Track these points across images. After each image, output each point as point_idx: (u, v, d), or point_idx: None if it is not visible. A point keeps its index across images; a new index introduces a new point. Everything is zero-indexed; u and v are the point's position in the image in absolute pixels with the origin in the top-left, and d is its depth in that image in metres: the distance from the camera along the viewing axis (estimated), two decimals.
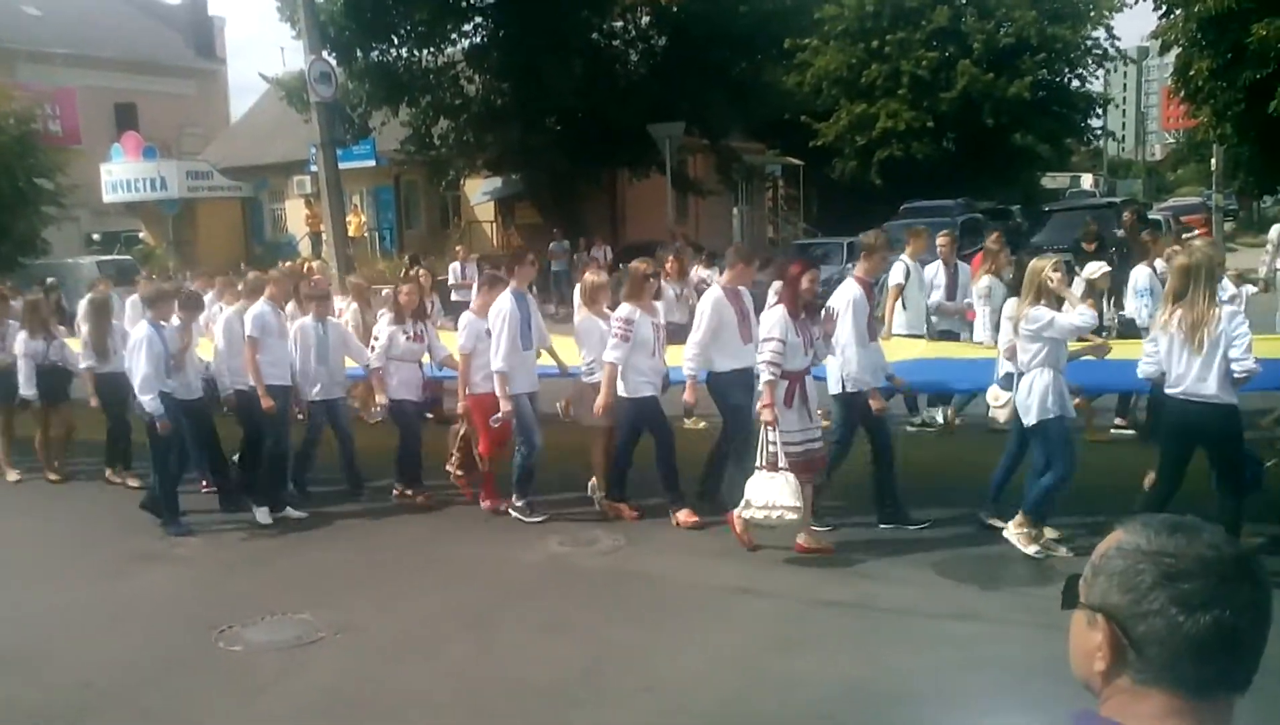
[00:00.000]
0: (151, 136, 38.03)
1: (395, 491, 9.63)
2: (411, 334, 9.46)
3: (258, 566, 8.18)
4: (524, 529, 8.59)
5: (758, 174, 38.98)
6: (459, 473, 9.25)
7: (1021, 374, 7.17)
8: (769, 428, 7.16)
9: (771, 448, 7.16)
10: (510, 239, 34.13)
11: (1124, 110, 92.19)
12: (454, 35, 28.66)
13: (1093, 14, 36.47)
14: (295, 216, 36.49)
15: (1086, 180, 65.88)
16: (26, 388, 10.86)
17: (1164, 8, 22.83)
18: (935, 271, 11.31)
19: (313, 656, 6.28)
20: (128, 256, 31.55)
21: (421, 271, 14.55)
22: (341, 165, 20.96)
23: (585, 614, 6.79)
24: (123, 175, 36.10)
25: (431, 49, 28.47)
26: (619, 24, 30.26)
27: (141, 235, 38.16)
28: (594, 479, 8.85)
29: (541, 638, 6.42)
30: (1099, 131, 46.23)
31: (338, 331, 9.84)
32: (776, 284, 8.62)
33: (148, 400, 8.62)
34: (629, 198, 33.32)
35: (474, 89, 29.29)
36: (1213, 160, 26.85)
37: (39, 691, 5.97)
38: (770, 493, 7.06)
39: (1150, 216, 25.79)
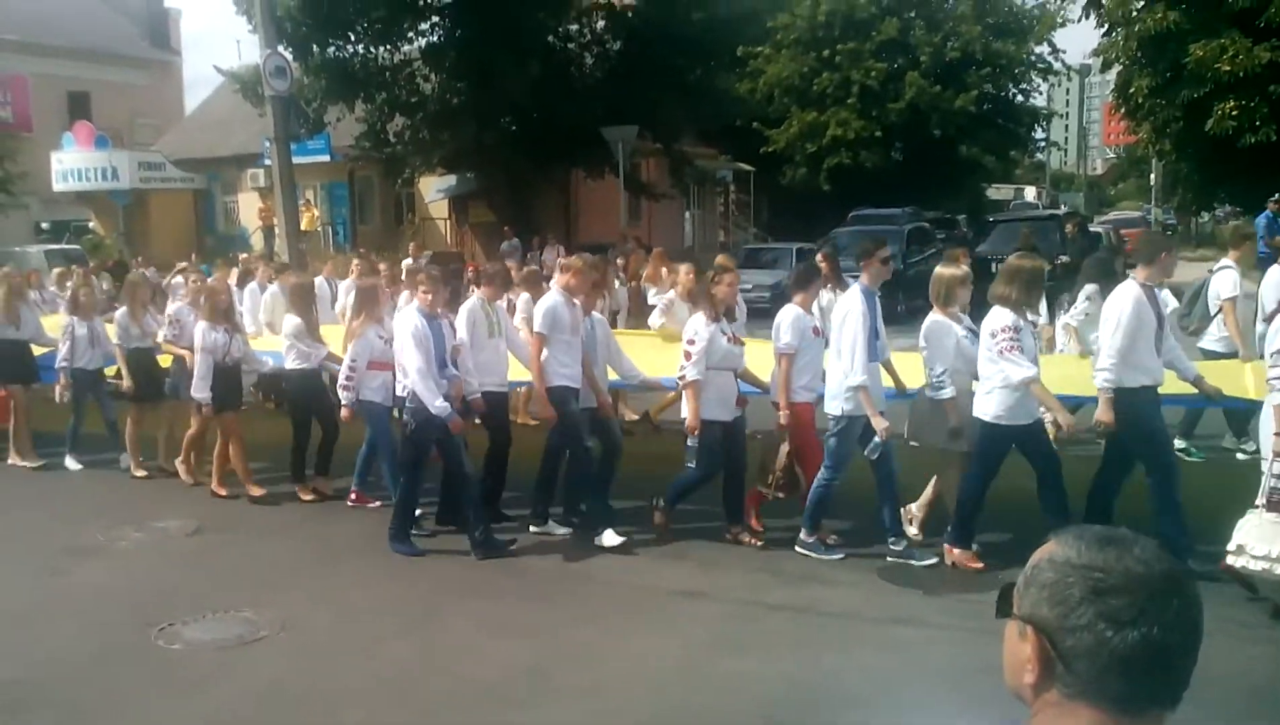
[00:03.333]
0: (104, 126, 37.63)
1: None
2: (730, 336, 7.95)
3: (201, 563, 8.06)
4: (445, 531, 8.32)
5: (710, 179, 39.32)
6: (779, 494, 7.91)
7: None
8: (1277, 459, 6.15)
9: (1275, 482, 6.11)
10: (464, 237, 34.28)
11: (1067, 124, 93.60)
12: (410, 33, 28.62)
13: (1036, 30, 37.22)
14: (248, 210, 36.15)
15: (1030, 192, 66.89)
16: (200, 389, 9.36)
17: (1106, 26, 23.40)
18: None
19: (254, 654, 6.22)
20: (76, 246, 31.34)
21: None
22: (295, 160, 20.93)
23: (530, 613, 6.80)
24: (74, 164, 35.63)
25: (388, 46, 28.42)
26: (575, 27, 30.40)
27: (91, 225, 37.71)
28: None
29: (485, 637, 6.42)
30: (1042, 144, 47.07)
31: (604, 328, 8.80)
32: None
33: (436, 403, 7.62)
34: (583, 198, 33.51)
35: (430, 87, 29.29)
36: (1152, 176, 27.49)
37: None
38: (1272, 540, 6.01)
39: (1091, 230, 26.38)
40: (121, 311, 10.59)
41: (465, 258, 29.67)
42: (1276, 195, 20.25)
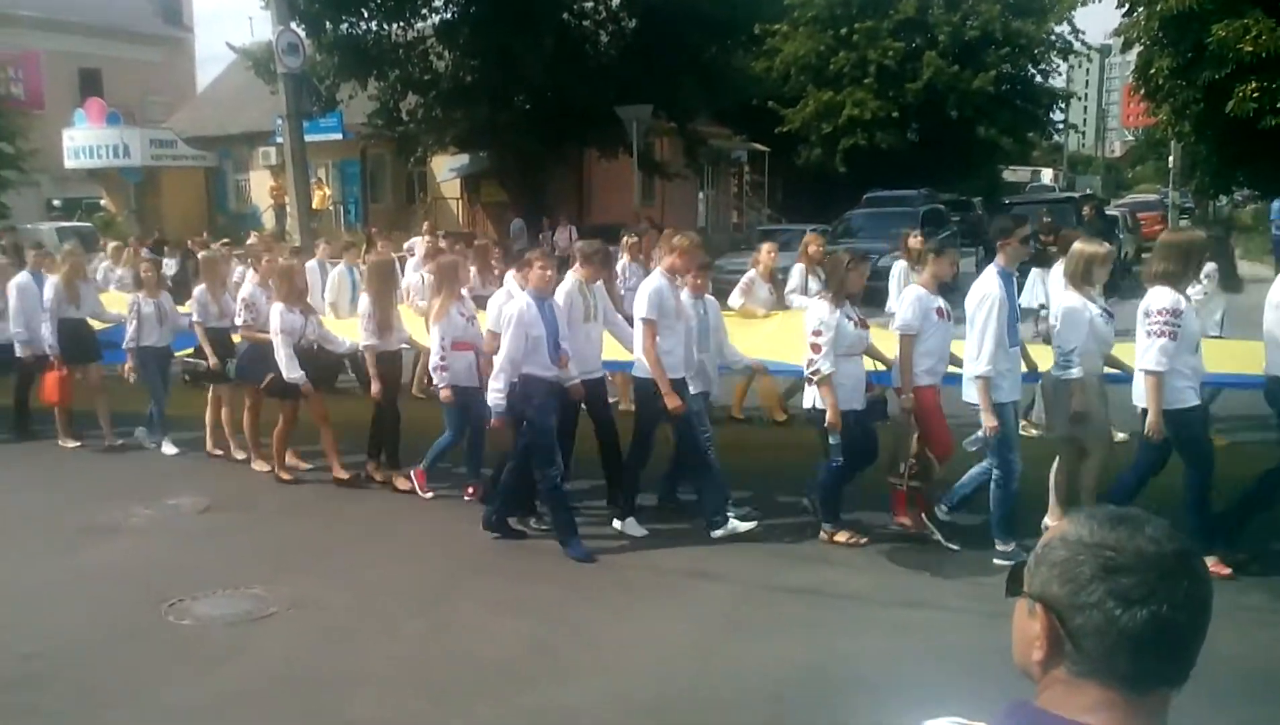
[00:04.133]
0: (116, 103, 37.59)
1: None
2: (855, 319, 7.58)
3: (213, 541, 8.07)
4: (480, 507, 8.29)
5: (724, 159, 39.17)
6: (914, 483, 7.52)
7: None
8: None
9: None
10: (476, 216, 34.19)
11: (1085, 106, 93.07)
12: (424, 10, 28.46)
13: (1057, 9, 36.90)
14: (260, 188, 36.14)
15: (1047, 175, 66.61)
16: (291, 370, 9.03)
17: (1127, 5, 23.14)
18: None
19: (264, 631, 6.24)
20: (88, 223, 31.34)
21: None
22: (308, 137, 20.93)
23: (540, 594, 6.79)
24: (85, 141, 35.69)
25: (401, 24, 28.32)
26: (590, 4, 30.19)
27: (103, 202, 37.81)
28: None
29: (495, 616, 6.43)
30: (1060, 126, 46.74)
31: (716, 312, 8.38)
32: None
33: (491, 398, 7.32)
34: (595, 178, 33.37)
35: (443, 65, 29.17)
36: (1170, 158, 27.21)
37: None
38: None
39: (1108, 212, 26.18)
40: (200, 289, 10.38)
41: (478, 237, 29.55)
42: None
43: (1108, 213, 25.83)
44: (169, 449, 10.70)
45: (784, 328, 9.24)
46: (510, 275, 8.99)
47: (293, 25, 20.64)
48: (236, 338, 10.13)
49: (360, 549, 7.82)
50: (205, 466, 10.18)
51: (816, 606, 6.49)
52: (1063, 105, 43.66)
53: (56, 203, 37.18)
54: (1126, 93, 38.36)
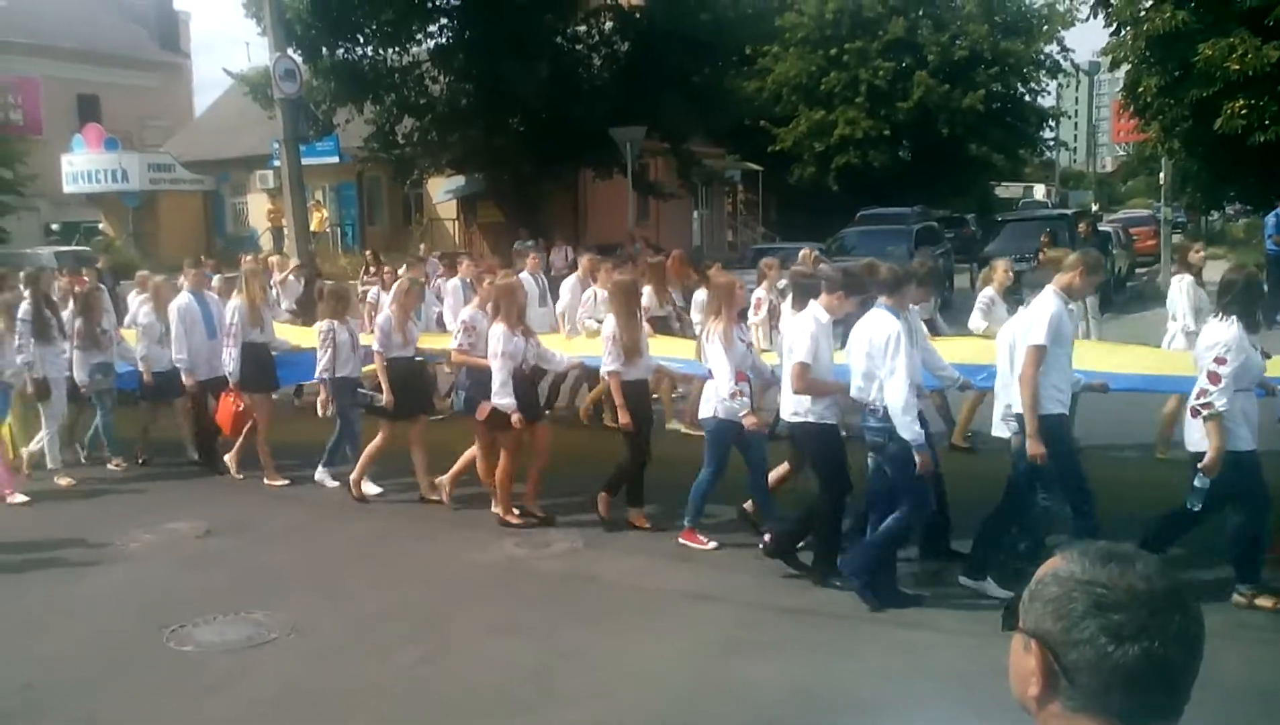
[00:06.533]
0: (114, 128, 37.82)
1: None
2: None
3: (212, 565, 8.05)
4: (479, 529, 8.47)
5: (718, 178, 39.37)
6: None
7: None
8: None
9: None
10: (472, 237, 34.36)
11: (1076, 122, 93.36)
12: (419, 35, 28.69)
13: (1045, 29, 37.19)
14: (257, 211, 36.33)
15: (1039, 191, 66.70)
16: (504, 395, 8.25)
17: (1114, 25, 23.33)
18: None
19: (263, 657, 6.24)
20: (86, 247, 31.48)
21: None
22: (305, 161, 21.07)
23: (537, 617, 6.79)
24: (84, 166, 35.88)
25: (397, 49, 28.51)
26: (583, 28, 30.43)
27: (101, 226, 37.96)
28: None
29: (492, 640, 6.44)
30: (1051, 142, 47.00)
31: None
32: None
33: (907, 423, 6.41)
34: (591, 199, 33.57)
35: (438, 89, 29.38)
36: (1162, 174, 27.35)
37: None
38: None
39: (1101, 228, 26.29)
40: (384, 316, 9.53)
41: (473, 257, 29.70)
42: None
43: (1100, 229, 25.96)
44: (328, 482, 9.99)
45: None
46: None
47: (290, 51, 20.82)
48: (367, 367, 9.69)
49: (358, 572, 7.83)
50: (202, 490, 10.16)
51: (814, 627, 6.50)
52: (1053, 123, 43.94)
53: (55, 227, 37.35)
54: (1116, 109, 38.57)
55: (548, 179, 29.82)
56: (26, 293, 10.60)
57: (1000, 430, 6.89)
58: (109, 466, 10.83)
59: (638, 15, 30.02)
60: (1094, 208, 57.20)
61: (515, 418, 8.30)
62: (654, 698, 5.61)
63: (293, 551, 8.45)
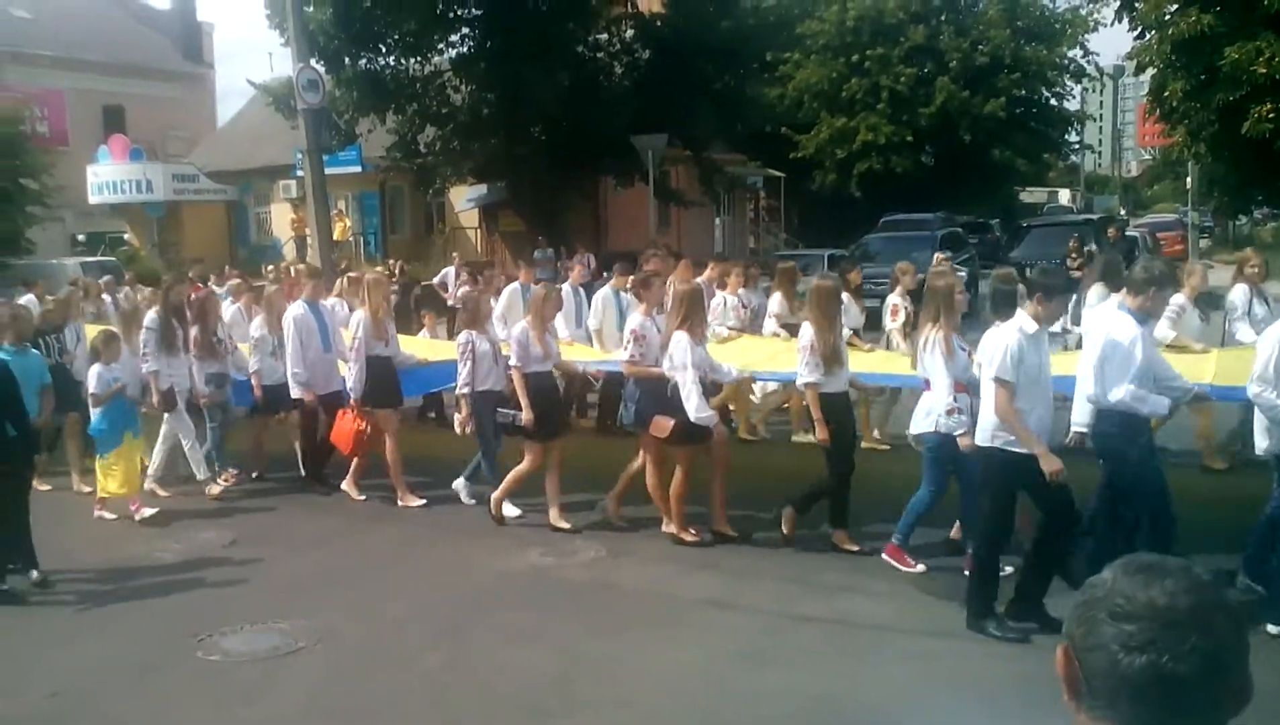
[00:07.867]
0: (138, 139, 38.16)
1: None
2: None
3: (239, 574, 8.11)
4: (504, 537, 8.55)
5: (739, 185, 39.32)
6: None
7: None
8: None
9: None
10: (494, 245, 34.43)
11: (1101, 126, 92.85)
12: (441, 45, 28.80)
13: (1068, 34, 37.02)
14: (280, 220, 36.58)
15: (1064, 196, 66.43)
16: (702, 409, 7.87)
17: (1139, 29, 23.20)
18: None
19: (291, 666, 6.30)
20: (112, 258, 31.68)
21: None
22: (327, 170, 21.11)
23: (559, 625, 6.82)
24: (109, 177, 36.20)
25: (419, 58, 28.62)
26: (604, 36, 30.47)
27: (126, 237, 38.25)
28: None
29: (515, 648, 6.46)
30: (1076, 147, 46.75)
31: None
32: None
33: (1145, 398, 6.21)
34: (612, 207, 33.60)
35: (460, 98, 29.47)
36: (1188, 178, 27.15)
37: (3, 702, 5.90)
38: None
39: (1128, 233, 26.11)
40: (521, 327, 8.83)
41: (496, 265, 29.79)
42: None
43: (1127, 234, 25.78)
44: (467, 499, 9.63)
45: (1225, 357, 8.40)
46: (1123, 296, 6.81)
47: (313, 62, 20.91)
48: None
49: (383, 581, 7.89)
50: (227, 500, 10.18)
51: (838, 636, 6.47)
52: (1077, 127, 43.70)
53: (81, 238, 37.64)
54: (1141, 113, 38.28)
55: (569, 187, 29.85)
56: (156, 302, 10.40)
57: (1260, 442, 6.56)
58: (217, 481, 10.27)
59: (659, 23, 30.02)
60: (1121, 213, 56.94)
61: (718, 430, 8.00)
62: (675, 706, 5.62)
63: (318, 561, 8.50)
